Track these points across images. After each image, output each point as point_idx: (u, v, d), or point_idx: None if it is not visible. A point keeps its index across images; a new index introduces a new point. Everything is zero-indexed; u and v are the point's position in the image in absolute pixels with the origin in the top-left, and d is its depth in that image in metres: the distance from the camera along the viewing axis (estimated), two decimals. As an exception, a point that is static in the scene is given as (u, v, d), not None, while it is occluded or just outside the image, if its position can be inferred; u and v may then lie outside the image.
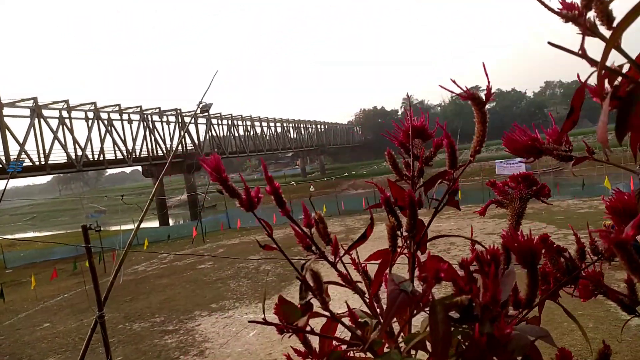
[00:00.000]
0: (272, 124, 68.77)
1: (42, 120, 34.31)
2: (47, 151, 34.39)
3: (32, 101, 33.79)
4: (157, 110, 46.76)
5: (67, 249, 28.94)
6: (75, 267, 22.70)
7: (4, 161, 31.11)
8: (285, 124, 73.20)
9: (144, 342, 11.52)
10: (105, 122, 39.99)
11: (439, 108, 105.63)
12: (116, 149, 41.24)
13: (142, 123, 44.28)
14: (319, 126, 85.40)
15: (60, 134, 35.56)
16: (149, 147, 45.13)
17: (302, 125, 79.21)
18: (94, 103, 39.13)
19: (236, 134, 60.14)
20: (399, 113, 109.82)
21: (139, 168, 55.08)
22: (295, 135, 77.03)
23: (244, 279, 16.72)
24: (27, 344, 12.85)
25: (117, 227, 47.60)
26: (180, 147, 49.62)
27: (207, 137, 53.27)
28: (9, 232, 51.44)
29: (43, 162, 34.20)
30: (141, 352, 10.82)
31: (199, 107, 8.34)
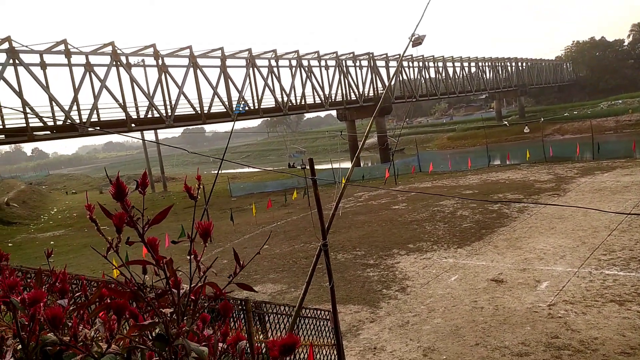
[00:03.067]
0: (465, 64, 64.17)
1: (255, 69, 38.56)
2: (259, 97, 38.82)
3: (247, 52, 38.08)
4: (351, 55, 47.96)
5: (277, 183, 32.86)
6: (285, 199, 25.58)
7: (227, 107, 36.24)
8: (480, 63, 67.50)
9: (348, 271, 12.38)
10: (306, 68, 42.86)
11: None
12: (315, 94, 44.12)
13: (337, 68, 46.14)
14: (519, 64, 76.43)
15: (269, 81, 39.58)
16: (343, 91, 47.01)
17: (499, 64, 71.90)
18: (297, 51, 42.10)
19: (427, 76, 58.03)
20: (625, 44, 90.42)
21: (332, 113, 58.22)
22: (491, 75, 70.61)
23: (440, 222, 16.43)
24: (252, 261, 15.14)
25: (316, 167, 51.90)
26: (371, 91, 50.47)
27: (399, 80, 52.76)
28: (230, 167, 61.05)
29: (257, 107, 38.81)
30: (347, 280, 11.66)
31: (411, 40, 7.94)
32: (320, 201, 5.98)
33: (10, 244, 25.39)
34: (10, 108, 25.38)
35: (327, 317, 6.83)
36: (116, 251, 1.00)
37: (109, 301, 1.00)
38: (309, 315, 6.74)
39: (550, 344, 7.22)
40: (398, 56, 52.75)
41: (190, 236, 1.14)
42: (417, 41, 7.34)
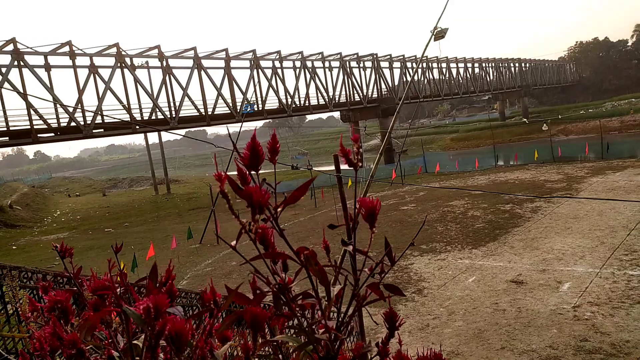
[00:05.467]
0: (469, 65, 63.96)
1: (259, 70, 38.33)
2: (263, 98, 38.58)
3: (251, 53, 37.88)
4: (355, 55, 47.74)
5: (282, 185, 32.58)
6: (291, 201, 25.33)
7: (231, 108, 36.01)
8: (484, 64, 67.27)
9: (361, 273, 12.11)
10: (310, 70, 42.65)
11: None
12: (319, 95, 43.89)
13: (341, 69, 45.93)
14: (523, 64, 76.22)
15: (273, 82, 39.34)
16: (347, 92, 46.79)
17: (502, 65, 71.74)
18: (301, 52, 41.89)
19: (430, 77, 57.82)
20: (629, 44, 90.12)
21: (334, 115, 57.89)
22: (494, 76, 70.39)
23: (451, 223, 16.17)
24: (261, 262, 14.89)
25: (318, 168, 51.69)
26: (375, 92, 50.24)
27: (403, 81, 52.54)
28: (235, 169, 60.90)
29: (261, 108, 38.59)
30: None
31: (433, 33, 7.70)
32: (345, 199, 5.74)
33: (14, 247, 25.18)
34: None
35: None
36: (251, 236, 0.77)
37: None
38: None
39: (580, 347, 6.96)
40: (402, 57, 52.59)
41: (353, 220, 0.91)
42: (439, 35, 7.12)
